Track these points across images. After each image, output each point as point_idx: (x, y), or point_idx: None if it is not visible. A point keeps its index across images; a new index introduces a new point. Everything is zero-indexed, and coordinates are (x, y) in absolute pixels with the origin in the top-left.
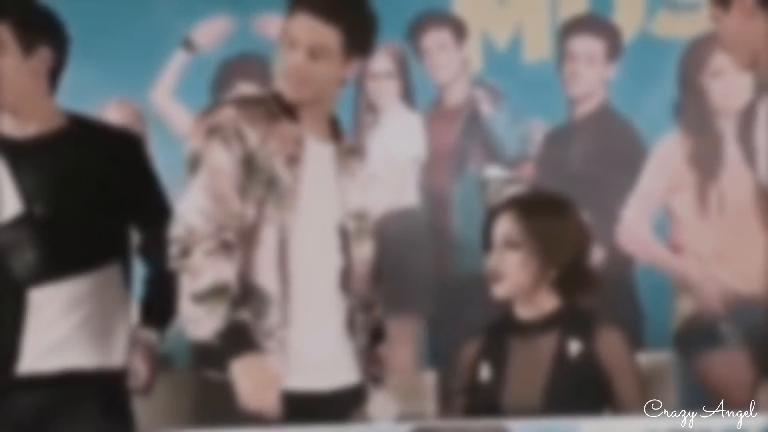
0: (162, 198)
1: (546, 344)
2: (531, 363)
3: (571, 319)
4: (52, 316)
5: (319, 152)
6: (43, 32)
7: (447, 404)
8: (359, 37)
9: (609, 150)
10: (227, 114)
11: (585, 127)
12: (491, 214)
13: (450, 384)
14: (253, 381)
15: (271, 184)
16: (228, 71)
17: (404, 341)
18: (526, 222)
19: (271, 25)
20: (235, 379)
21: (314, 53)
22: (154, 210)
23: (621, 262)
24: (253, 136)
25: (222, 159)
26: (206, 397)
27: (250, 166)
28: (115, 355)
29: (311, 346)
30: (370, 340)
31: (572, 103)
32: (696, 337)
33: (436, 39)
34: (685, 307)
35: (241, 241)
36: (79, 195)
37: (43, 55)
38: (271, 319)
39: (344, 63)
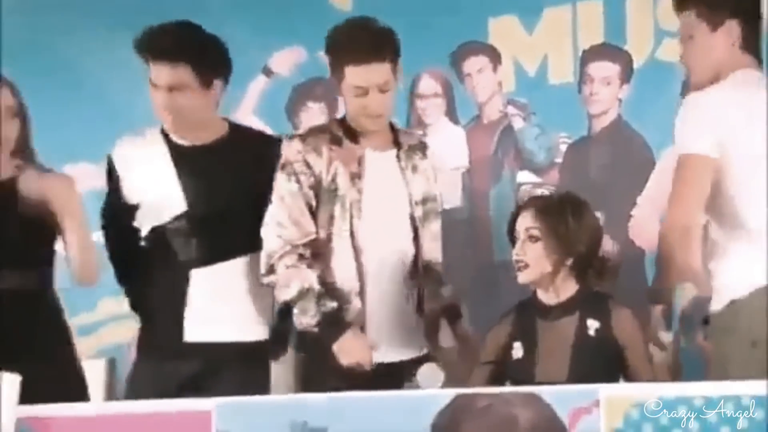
0: None
1: (568, 324)
2: (557, 341)
3: (588, 302)
4: (207, 293)
5: (380, 161)
6: (217, 69)
7: (473, 374)
8: (398, 52)
9: (622, 159)
10: (294, 149)
11: (602, 140)
12: (514, 212)
13: (481, 356)
14: (350, 345)
15: (339, 201)
16: (300, 93)
17: None
18: (543, 218)
19: None
20: (336, 352)
21: (383, 89)
22: None
23: (633, 254)
24: (319, 163)
25: (290, 189)
26: (306, 371)
27: (319, 189)
28: (256, 330)
29: (386, 330)
30: (450, 317)
31: (591, 119)
32: (696, 316)
33: (475, 65)
34: (687, 291)
35: (317, 252)
36: (232, 193)
37: (218, 86)
38: (351, 312)
39: (396, 78)
